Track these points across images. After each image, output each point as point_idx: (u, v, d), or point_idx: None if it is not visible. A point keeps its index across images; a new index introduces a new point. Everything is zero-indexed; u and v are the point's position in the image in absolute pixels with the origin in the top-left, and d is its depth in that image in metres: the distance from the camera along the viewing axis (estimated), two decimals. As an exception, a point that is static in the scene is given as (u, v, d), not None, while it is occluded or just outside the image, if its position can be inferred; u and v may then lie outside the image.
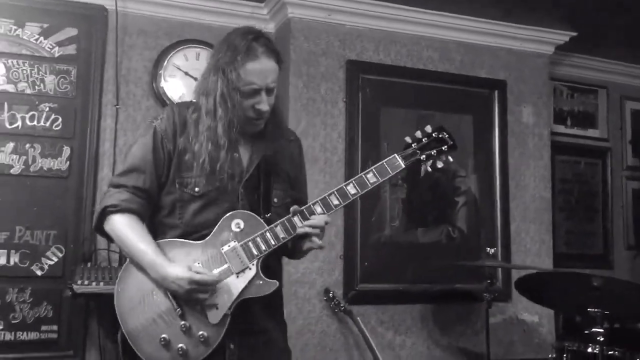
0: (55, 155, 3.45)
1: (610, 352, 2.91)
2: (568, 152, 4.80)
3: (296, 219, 1.97)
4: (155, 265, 1.94)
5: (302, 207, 1.99)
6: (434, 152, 2.05)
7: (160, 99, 3.64)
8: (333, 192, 2.00)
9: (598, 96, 4.97)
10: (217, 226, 1.99)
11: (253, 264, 1.97)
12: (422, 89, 3.98)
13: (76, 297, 2.90)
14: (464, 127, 4.08)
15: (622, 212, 4.95)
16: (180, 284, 1.90)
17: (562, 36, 4.26)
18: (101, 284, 2.87)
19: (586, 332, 2.88)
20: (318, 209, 1.99)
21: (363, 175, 2.01)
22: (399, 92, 3.92)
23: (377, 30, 3.90)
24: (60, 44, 3.55)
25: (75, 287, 2.84)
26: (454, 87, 4.05)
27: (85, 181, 3.47)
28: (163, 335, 1.93)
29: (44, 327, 3.32)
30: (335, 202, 1.99)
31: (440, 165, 2.06)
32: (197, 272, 1.92)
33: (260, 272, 1.98)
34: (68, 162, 3.47)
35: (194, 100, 2.10)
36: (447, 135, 2.06)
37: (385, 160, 2.01)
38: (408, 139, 2.05)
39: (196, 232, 2.01)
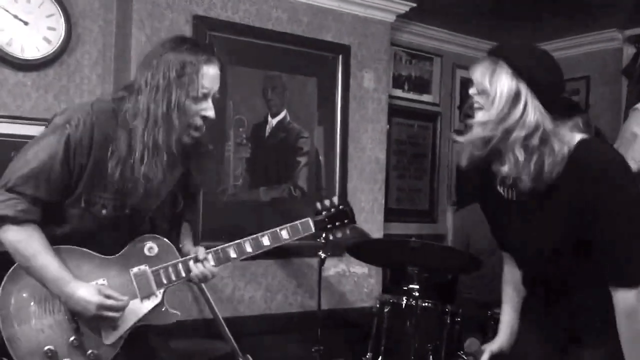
0: None
1: (424, 304, 3.28)
2: (404, 115, 5.13)
3: (210, 257, 2.05)
4: (59, 282, 1.82)
5: (218, 248, 2.06)
6: (337, 223, 2.23)
7: (-16, 42, 3.32)
8: (248, 240, 2.11)
9: (433, 63, 5.34)
10: (128, 245, 1.94)
11: (160, 292, 1.97)
12: (270, 50, 4.01)
13: None
14: (309, 89, 4.20)
15: (447, 172, 5.45)
16: (88, 308, 1.81)
17: (403, 6, 4.48)
18: None
19: (404, 288, 3.23)
20: (232, 252, 2.08)
21: (278, 231, 2.15)
22: (246, 51, 3.92)
23: (226, -15, 3.84)
24: None
25: None
26: (301, 49, 4.13)
27: None
28: (49, 347, 1.84)
29: None
30: (249, 249, 2.10)
31: (339, 235, 2.26)
32: (107, 296, 1.83)
33: (165, 301, 1.98)
34: None
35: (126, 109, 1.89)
36: (349, 209, 2.26)
37: (300, 222, 2.18)
38: (319, 206, 2.24)
39: (86, 244, 1.90)
